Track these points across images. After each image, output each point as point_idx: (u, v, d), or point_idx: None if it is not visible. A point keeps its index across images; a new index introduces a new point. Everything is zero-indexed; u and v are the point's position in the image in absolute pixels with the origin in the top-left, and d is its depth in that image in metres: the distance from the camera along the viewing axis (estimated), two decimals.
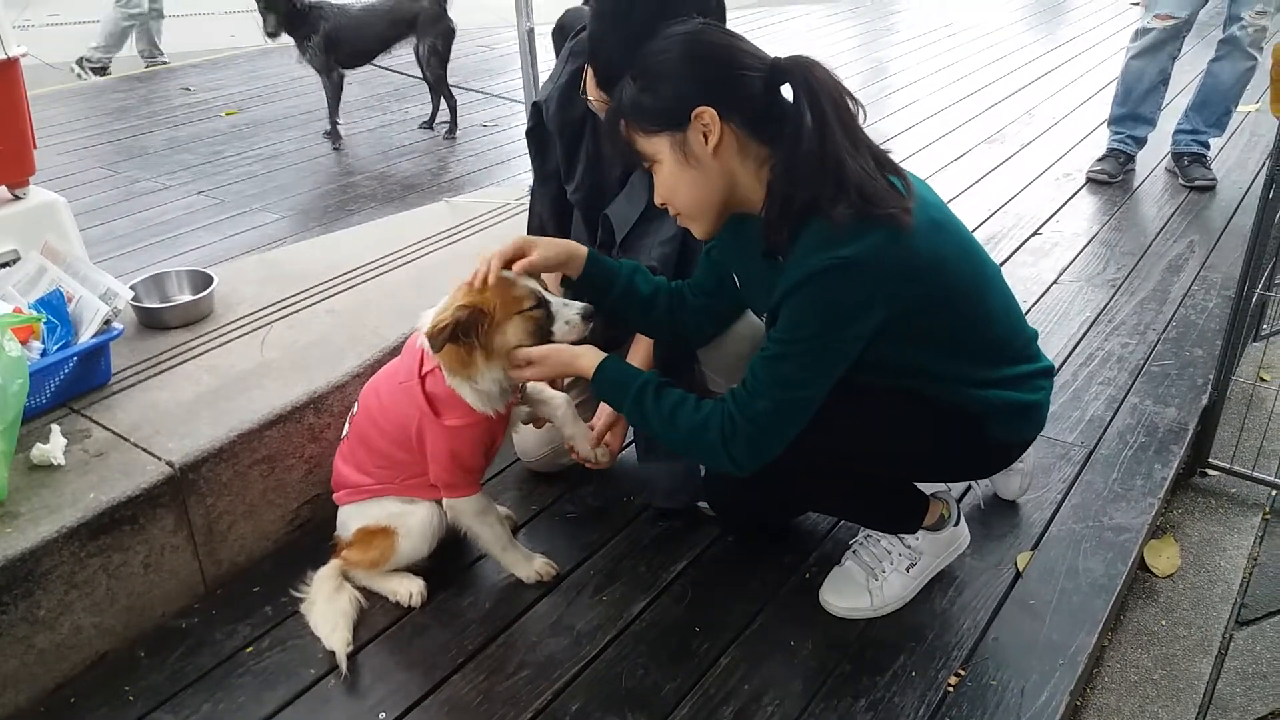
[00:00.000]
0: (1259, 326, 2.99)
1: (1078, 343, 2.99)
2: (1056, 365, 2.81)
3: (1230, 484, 2.50)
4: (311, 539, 2.20)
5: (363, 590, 2.03)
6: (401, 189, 4.37)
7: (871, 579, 1.97)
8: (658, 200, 1.72)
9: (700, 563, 2.13)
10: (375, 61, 5.07)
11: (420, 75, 5.16)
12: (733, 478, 2.02)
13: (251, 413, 2.12)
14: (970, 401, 1.74)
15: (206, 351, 2.36)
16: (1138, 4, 4.43)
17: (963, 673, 1.83)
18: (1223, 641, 2.04)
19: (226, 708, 1.81)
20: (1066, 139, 4.93)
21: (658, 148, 1.63)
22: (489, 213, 3.24)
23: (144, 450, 2.00)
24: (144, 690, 1.85)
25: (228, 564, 2.11)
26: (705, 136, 1.59)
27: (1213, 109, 4.24)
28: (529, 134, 2.31)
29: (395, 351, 2.21)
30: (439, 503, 2.02)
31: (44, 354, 2.07)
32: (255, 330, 2.46)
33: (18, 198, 2.47)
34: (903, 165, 1.65)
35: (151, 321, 2.46)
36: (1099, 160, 4.40)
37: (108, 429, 2.07)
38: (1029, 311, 3.16)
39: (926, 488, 2.04)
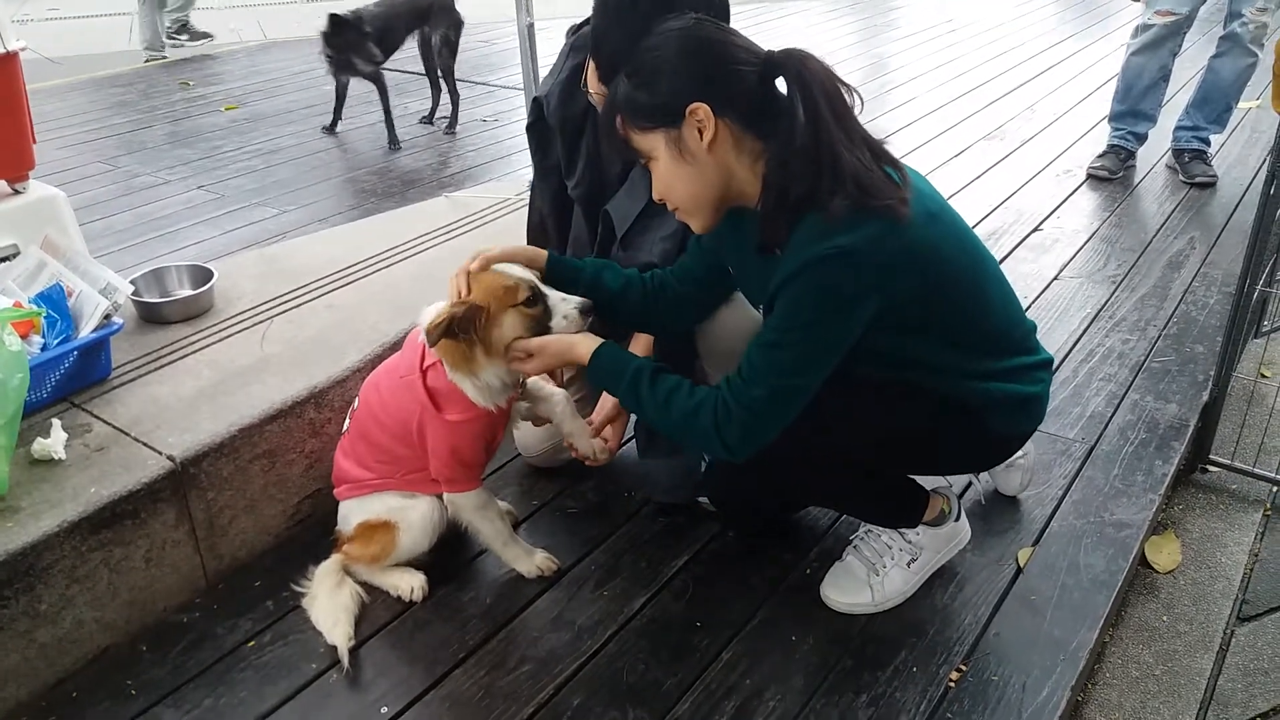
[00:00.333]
0: (1260, 323, 2.99)
1: (1078, 339, 2.99)
2: (1057, 361, 2.82)
3: (1231, 480, 2.50)
4: (312, 534, 2.20)
5: (364, 585, 2.03)
6: (401, 184, 4.36)
7: (872, 574, 1.97)
8: (655, 195, 1.73)
9: (701, 558, 2.13)
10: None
11: (423, 69, 5.14)
12: (733, 473, 2.03)
13: (252, 407, 2.12)
14: (969, 394, 1.74)
15: (207, 346, 2.36)
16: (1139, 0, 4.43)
17: (964, 668, 1.83)
18: (1224, 637, 2.04)
19: (228, 702, 1.81)
20: (1067, 135, 4.93)
21: (653, 144, 1.64)
22: (489, 208, 3.24)
23: (145, 445, 2.00)
24: (145, 684, 1.85)
25: (229, 558, 2.11)
26: (700, 132, 1.59)
27: (1213, 105, 4.23)
28: (529, 129, 2.31)
29: (395, 346, 2.21)
30: (440, 497, 2.02)
31: (44, 348, 2.07)
32: (255, 325, 2.46)
33: (17, 192, 2.46)
34: (901, 161, 1.65)
35: (151, 316, 2.46)
36: (1100, 156, 4.40)
37: (108, 423, 2.07)
38: (1029, 308, 3.16)
39: (927, 482, 2.04)
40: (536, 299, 1.81)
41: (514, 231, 2.76)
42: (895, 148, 1.65)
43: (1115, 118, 4.42)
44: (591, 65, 1.98)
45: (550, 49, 2.45)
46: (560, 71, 2.20)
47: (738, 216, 1.71)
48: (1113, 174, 4.31)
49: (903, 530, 1.99)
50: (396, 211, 3.53)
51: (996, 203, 4.08)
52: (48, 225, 2.40)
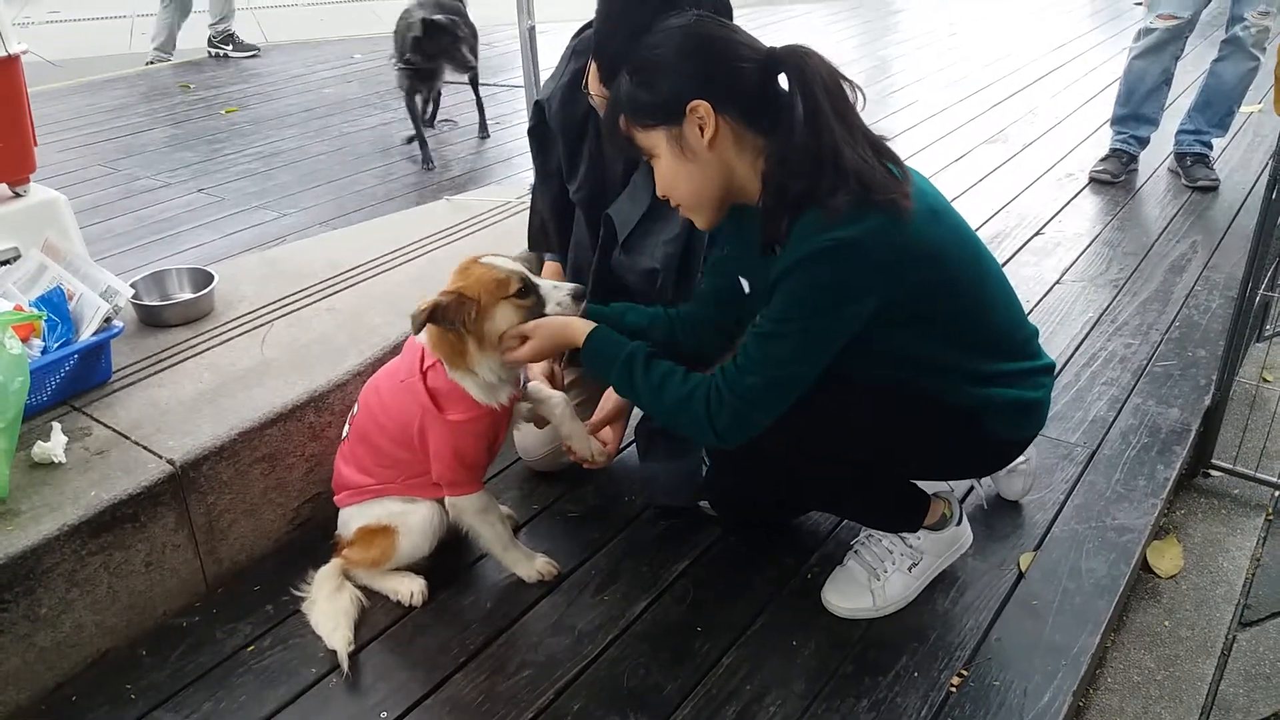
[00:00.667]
0: (1262, 327, 2.99)
1: (1080, 343, 2.98)
2: (1059, 365, 2.82)
3: (1233, 485, 2.49)
4: (312, 537, 2.20)
5: (364, 589, 2.03)
6: (402, 187, 4.36)
7: (874, 579, 1.96)
8: (659, 192, 1.73)
9: (702, 562, 2.13)
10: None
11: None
12: (734, 477, 2.03)
13: (252, 411, 2.12)
14: (971, 398, 1.74)
15: (207, 349, 2.36)
16: (1140, 4, 4.42)
17: (965, 673, 1.83)
18: (1226, 642, 2.03)
19: (227, 706, 1.80)
20: (1069, 139, 4.93)
21: (655, 141, 1.64)
22: (489, 211, 3.24)
23: (145, 448, 2.00)
24: (145, 688, 1.85)
25: (229, 562, 2.11)
26: (700, 129, 1.59)
27: (1215, 109, 4.23)
28: (531, 132, 2.31)
29: (396, 350, 2.21)
30: (440, 502, 2.01)
31: (45, 352, 2.07)
32: (256, 328, 2.46)
33: (18, 195, 2.46)
34: (904, 162, 1.65)
35: (152, 319, 2.46)
36: (1101, 160, 4.40)
37: (109, 427, 2.06)
38: (1031, 312, 3.16)
39: (928, 487, 2.03)
40: (528, 290, 1.82)
41: (515, 235, 2.76)
42: (897, 151, 1.65)
43: (1117, 121, 4.41)
44: (592, 67, 1.98)
45: (552, 52, 2.45)
46: (562, 75, 2.20)
47: (743, 222, 1.71)
48: (1115, 178, 4.31)
49: (904, 535, 1.99)
50: (397, 215, 3.53)
51: (998, 206, 4.07)
52: (48, 228, 2.40)
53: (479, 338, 1.80)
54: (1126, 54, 4.33)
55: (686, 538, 2.19)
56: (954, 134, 5.03)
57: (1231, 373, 2.48)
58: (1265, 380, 2.89)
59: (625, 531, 2.23)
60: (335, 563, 2.03)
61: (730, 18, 1.82)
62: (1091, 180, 4.34)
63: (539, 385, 2.10)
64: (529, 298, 1.82)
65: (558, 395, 2.08)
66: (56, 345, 2.09)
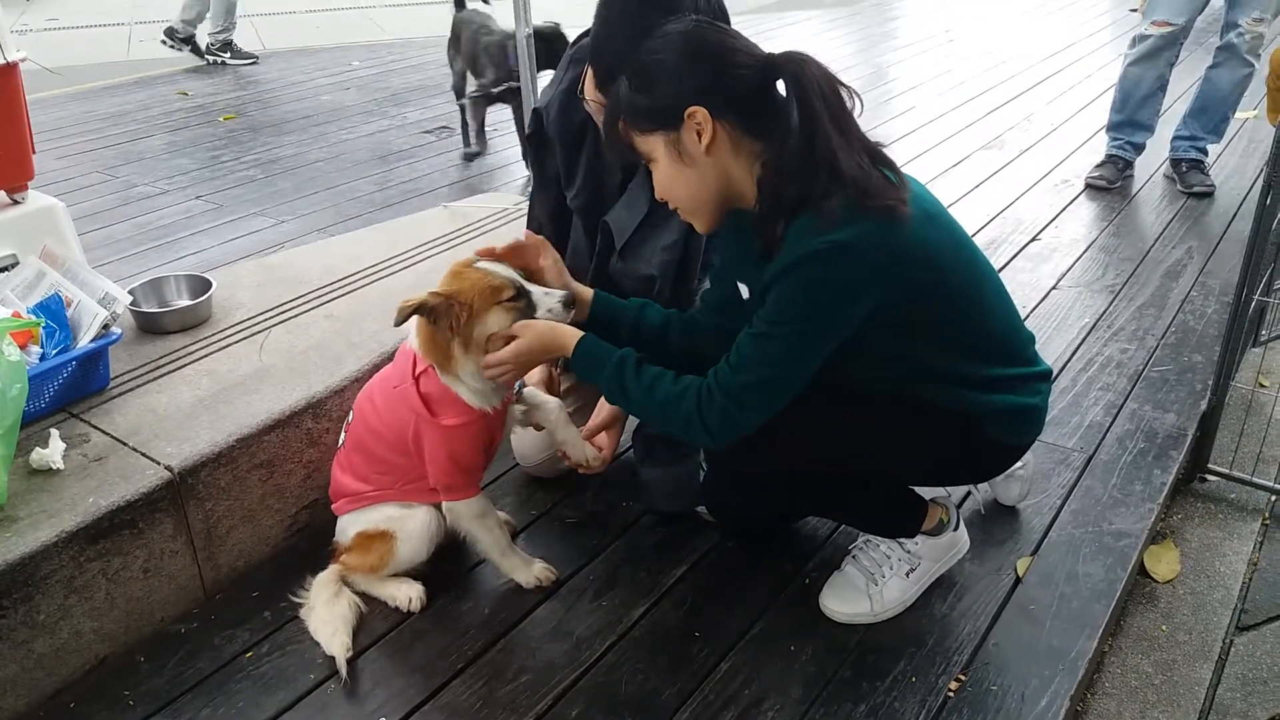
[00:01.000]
0: (1257, 332, 3.00)
1: (1077, 348, 2.99)
2: (1055, 371, 2.82)
3: (1230, 489, 2.50)
4: (310, 544, 2.20)
5: (362, 595, 2.03)
6: (400, 194, 4.37)
7: (871, 584, 1.97)
8: (657, 196, 1.74)
9: (700, 568, 2.13)
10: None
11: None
12: (732, 482, 2.03)
13: (250, 417, 2.12)
14: (968, 404, 1.74)
15: (205, 356, 2.36)
16: (1136, 10, 4.44)
17: (963, 678, 1.83)
18: (1223, 647, 2.03)
19: (226, 713, 1.80)
20: (1065, 145, 4.94)
21: (653, 146, 1.65)
22: (487, 218, 3.24)
23: (143, 455, 2.00)
24: (143, 695, 1.85)
25: (227, 569, 2.11)
26: (698, 135, 1.60)
27: (1211, 115, 4.25)
28: (528, 139, 2.31)
29: (394, 356, 2.21)
30: (438, 507, 2.01)
31: (43, 358, 2.07)
32: (254, 335, 2.46)
33: (16, 202, 2.47)
34: (900, 168, 1.65)
35: (150, 326, 2.46)
36: (1098, 166, 4.41)
37: (106, 433, 2.06)
38: (1028, 317, 3.17)
39: (925, 492, 2.03)
40: (520, 295, 1.82)
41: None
42: (894, 157, 1.66)
43: (1113, 127, 4.43)
44: (589, 72, 1.98)
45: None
46: (560, 82, 2.20)
47: (741, 226, 1.72)
48: (1111, 183, 4.32)
49: (901, 540, 1.99)
50: (395, 221, 3.53)
51: (995, 212, 4.08)
52: (47, 235, 2.41)
53: (466, 341, 1.81)
54: (1122, 60, 4.35)
55: (684, 543, 2.19)
56: (951, 140, 5.04)
57: (1227, 378, 2.49)
58: (1261, 385, 2.90)
59: (623, 537, 2.23)
60: (333, 569, 2.03)
61: (727, 23, 1.82)
62: (1088, 186, 4.35)
63: (534, 390, 2.10)
64: (521, 303, 1.82)
65: (553, 400, 2.09)
66: (55, 352, 2.09)
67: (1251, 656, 2.00)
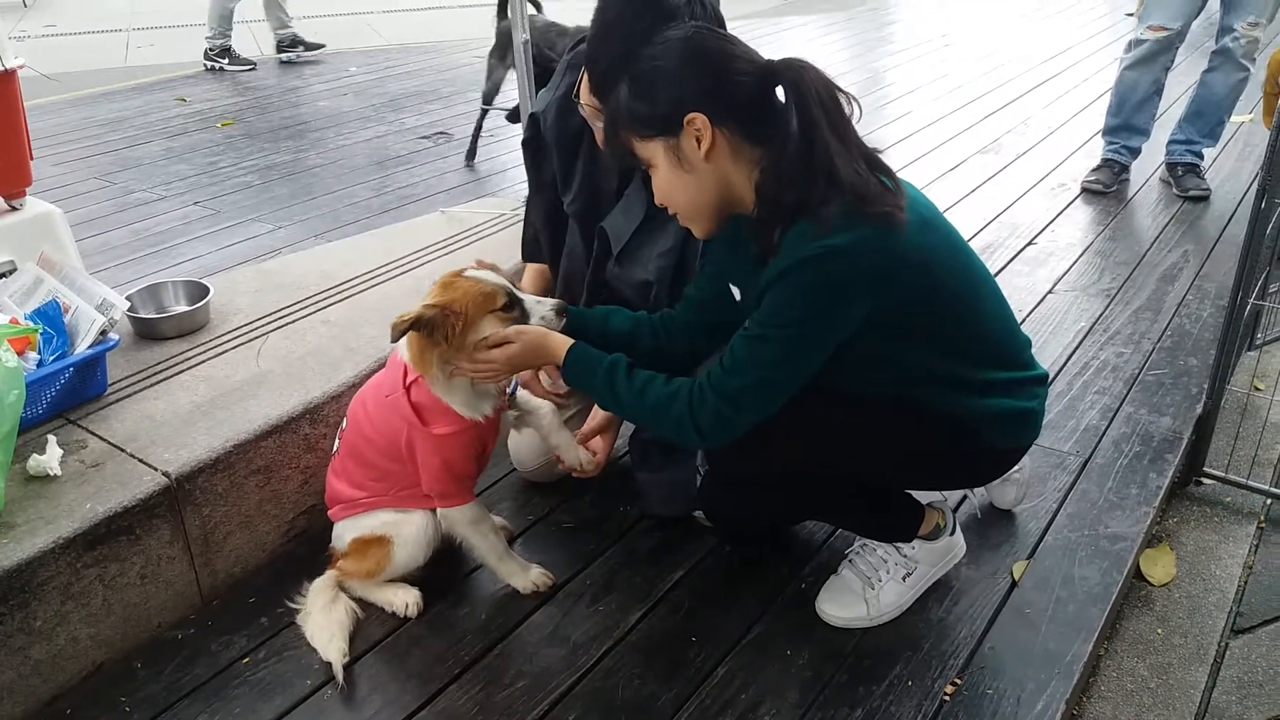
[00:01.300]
0: (1253, 336, 3.01)
1: (1073, 352, 2.99)
2: (1052, 375, 2.83)
3: (1225, 493, 2.50)
4: (307, 549, 2.20)
5: (359, 601, 2.03)
6: (397, 199, 4.37)
7: (868, 588, 1.97)
8: (656, 202, 1.75)
9: (696, 573, 2.13)
10: None
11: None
12: (728, 487, 2.03)
13: (247, 423, 2.12)
14: (965, 408, 1.75)
15: (202, 362, 2.36)
16: (1132, 15, 4.47)
17: (959, 682, 1.83)
18: (1218, 650, 2.04)
19: (223, 719, 1.80)
20: (1061, 149, 4.95)
21: (652, 152, 1.66)
22: (484, 223, 3.25)
23: (140, 461, 2.00)
24: (140, 701, 1.85)
25: (224, 575, 2.11)
26: (698, 141, 1.60)
27: (1206, 119, 4.26)
28: (525, 144, 2.32)
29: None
30: (434, 512, 2.02)
31: (40, 365, 2.07)
32: (251, 341, 2.46)
33: (14, 209, 2.47)
34: (897, 174, 1.66)
35: (147, 332, 2.46)
36: (1094, 170, 4.42)
37: (104, 440, 2.07)
38: (1024, 321, 3.17)
39: (922, 496, 2.04)
40: (513, 304, 1.83)
41: (509, 247, 2.77)
42: (891, 161, 1.66)
43: (1109, 132, 4.44)
44: (584, 76, 1.99)
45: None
46: (557, 88, 2.21)
47: (738, 229, 1.73)
48: (1107, 188, 4.33)
49: (898, 544, 2.00)
50: (392, 227, 3.53)
51: (991, 216, 4.09)
52: (44, 241, 2.41)
53: (459, 351, 1.81)
54: (1118, 65, 4.36)
55: (681, 548, 2.19)
56: (947, 144, 5.05)
57: (1223, 381, 2.49)
58: (1257, 389, 2.91)
59: (620, 542, 2.23)
60: (330, 574, 2.04)
61: (723, 28, 1.83)
62: (1084, 190, 4.36)
63: (527, 395, 2.11)
64: (513, 312, 1.83)
65: (546, 405, 2.09)
66: (52, 358, 2.09)
67: (1247, 660, 2.01)
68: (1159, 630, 2.09)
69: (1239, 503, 2.47)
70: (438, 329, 1.78)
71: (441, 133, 5.34)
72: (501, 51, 4.62)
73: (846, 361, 1.67)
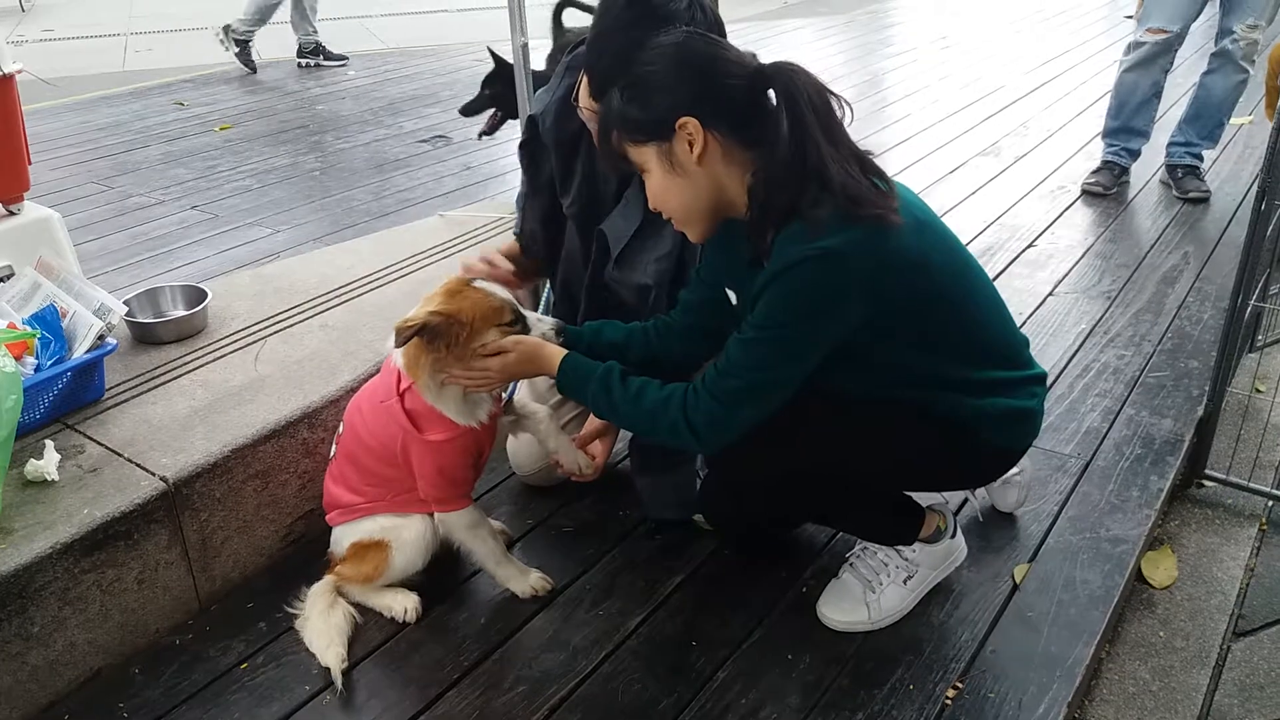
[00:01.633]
0: (1254, 338, 3.00)
1: (1073, 355, 2.99)
2: (1052, 377, 2.82)
3: (1227, 495, 2.49)
4: (305, 554, 2.19)
5: (357, 606, 2.02)
6: (395, 203, 4.37)
7: (869, 591, 1.96)
8: (650, 206, 1.75)
9: (697, 576, 2.12)
10: None
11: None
12: (729, 490, 2.03)
13: (245, 427, 2.11)
14: (964, 409, 1.74)
15: (200, 366, 2.36)
16: (1131, 17, 4.47)
17: (960, 685, 1.83)
18: (1220, 653, 2.03)
19: None
20: (1061, 152, 4.95)
21: (646, 157, 1.66)
22: (483, 226, 3.25)
23: (138, 465, 1.99)
24: (138, 707, 1.84)
25: (222, 580, 2.10)
26: (690, 145, 1.61)
27: (1206, 121, 4.26)
28: (523, 147, 2.31)
29: None
30: (433, 516, 2.01)
31: (38, 369, 2.06)
32: (249, 345, 2.46)
33: (12, 213, 2.46)
34: (897, 178, 1.66)
35: (145, 336, 2.46)
36: (1093, 173, 4.42)
37: (101, 444, 2.06)
38: (1024, 324, 3.17)
39: (923, 499, 2.03)
40: (517, 319, 1.85)
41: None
42: (890, 164, 1.66)
43: (1109, 134, 4.44)
44: (584, 80, 1.99)
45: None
46: (556, 90, 2.21)
47: (733, 233, 1.72)
48: (1107, 190, 4.33)
49: (899, 547, 1.99)
50: (391, 231, 3.53)
51: (991, 219, 4.09)
52: (42, 246, 2.41)
53: (457, 360, 1.81)
54: (1117, 67, 4.36)
55: (681, 552, 2.19)
56: (947, 147, 5.05)
57: (1224, 383, 2.49)
58: (1258, 390, 2.90)
59: (620, 546, 2.22)
60: (328, 579, 2.03)
61: (722, 34, 1.83)
62: (1083, 193, 4.36)
63: (524, 400, 2.11)
64: (517, 327, 1.84)
65: (543, 409, 2.09)
66: (50, 363, 2.08)
67: (1249, 662, 2.00)
68: (1161, 633, 2.08)
69: (1240, 505, 2.47)
70: (441, 337, 1.77)
71: (440, 136, 5.34)
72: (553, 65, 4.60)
73: (845, 364, 1.67)
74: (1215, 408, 2.51)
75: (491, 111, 3.99)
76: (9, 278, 2.35)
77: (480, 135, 4.16)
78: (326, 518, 2.08)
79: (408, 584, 2.05)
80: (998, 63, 6.91)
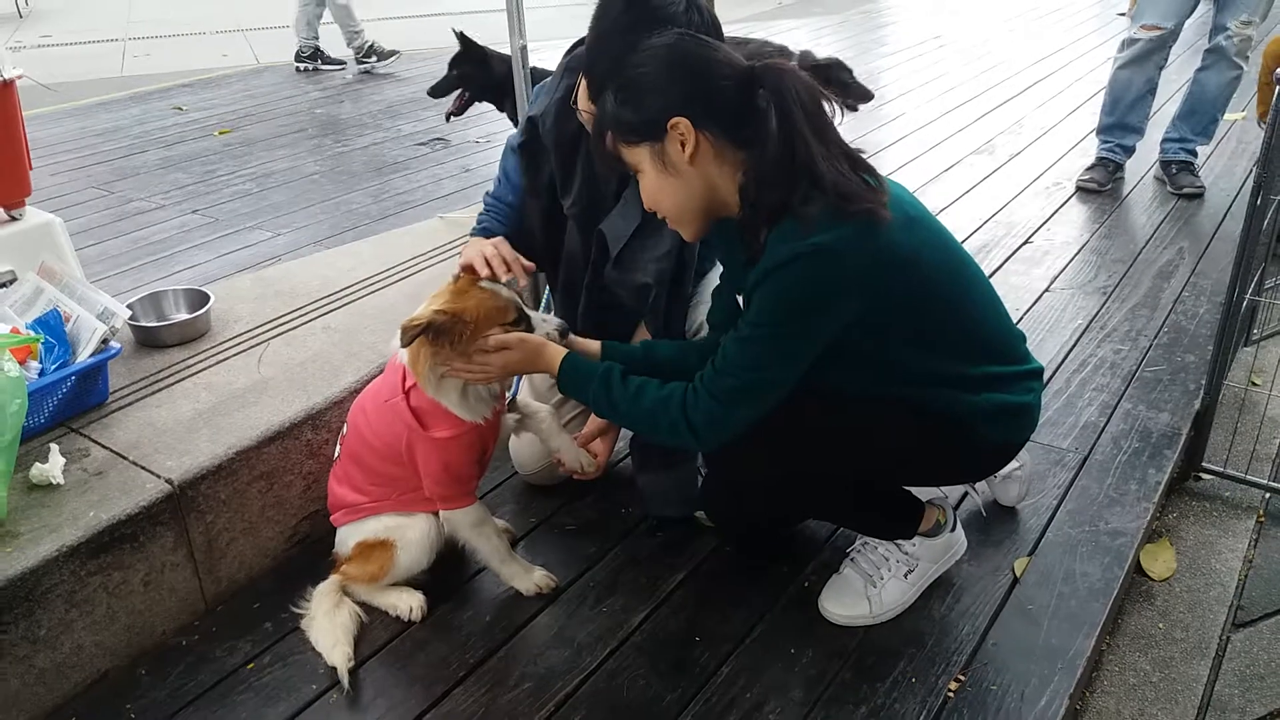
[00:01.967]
0: (1249, 331, 3.02)
1: (1070, 350, 3.01)
2: (1049, 372, 2.84)
3: (1224, 487, 2.51)
4: (311, 555, 2.20)
5: (363, 605, 2.03)
6: (395, 205, 4.38)
7: (870, 586, 1.98)
8: (645, 206, 1.76)
9: (699, 573, 2.14)
10: None
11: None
12: (729, 487, 2.04)
13: (250, 429, 2.13)
14: (961, 404, 1.76)
15: (204, 369, 2.37)
16: (1125, 14, 4.49)
17: (962, 678, 1.84)
18: (1220, 644, 2.05)
19: None
20: (1056, 148, 4.97)
21: (639, 158, 1.68)
22: None
23: (143, 468, 2.00)
24: (145, 708, 1.85)
25: (227, 581, 2.11)
26: (682, 145, 1.62)
27: (1200, 117, 4.27)
28: (522, 148, 2.32)
29: None
30: (437, 514, 2.02)
31: (42, 373, 2.07)
32: (252, 348, 2.47)
33: (14, 219, 2.47)
34: (893, 177, 1.67)
35: (149, 340, 2.47)
36: (1088, 169, 4.43)
37: (106, 448, 2.07)
38: (1021, 320, 3.18)
39: (922, 494, 2.05)
40: (521, 319, 1.86)
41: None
42: (885, 163, 1.68)
43: (1103, 130, 4.46)
44: (583, 83, 2.00)
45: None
46: (555, 91, 2.22)
47: (732, 237, 1.74)
48: (1102, 186, 4.34)
49: (899, 542, 2.00)
50: (391, 233, 3.54)
51: (987, 216, 4.10)
52: (44, 251, 2.42)
53: (460, 357, 1.82)
54: (1111, 64, 4.38)
55: (683, 549, 2.20)
56: (942, 145, 5.06)
57: (1220, 377, 2.50)
58: (1254, 384, 2.92)
59: (623, 543, 2.24)
60: (333, 579, 2.04)
61: (719, 36, 1.84)
62: (1079, 189, 4.37)
63: (526, 399, 2.12)
64: (520, 327, 1.86)
65: (545, 408, 2.11)
66: (54, 367, 2.09)
67: (1248, 653, 2.02)
68: (1160, 625, 2.10)
69: (1238, 497, 2.48)
70: (446, 335, 1.79)
71: (438, 139, 5.35)
72: None
73: (841, 360, 1.68)
74: (1212, 401, 2.53)
75: (458, 92, 4.03)
76: (12, 283, 2.36)
77: (448, 116, 4.19)
78: (331, 518, 2.10)
79: (413, 583, 2.06)
80: (991, 61, 6.93)
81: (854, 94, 4.67)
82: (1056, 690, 1.80)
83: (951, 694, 1.81)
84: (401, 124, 5.69)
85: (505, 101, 3.98)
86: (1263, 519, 2.41)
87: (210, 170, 4.94)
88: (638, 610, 2.03)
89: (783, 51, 4.38)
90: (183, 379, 2.33)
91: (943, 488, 2.17)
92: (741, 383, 1.67)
